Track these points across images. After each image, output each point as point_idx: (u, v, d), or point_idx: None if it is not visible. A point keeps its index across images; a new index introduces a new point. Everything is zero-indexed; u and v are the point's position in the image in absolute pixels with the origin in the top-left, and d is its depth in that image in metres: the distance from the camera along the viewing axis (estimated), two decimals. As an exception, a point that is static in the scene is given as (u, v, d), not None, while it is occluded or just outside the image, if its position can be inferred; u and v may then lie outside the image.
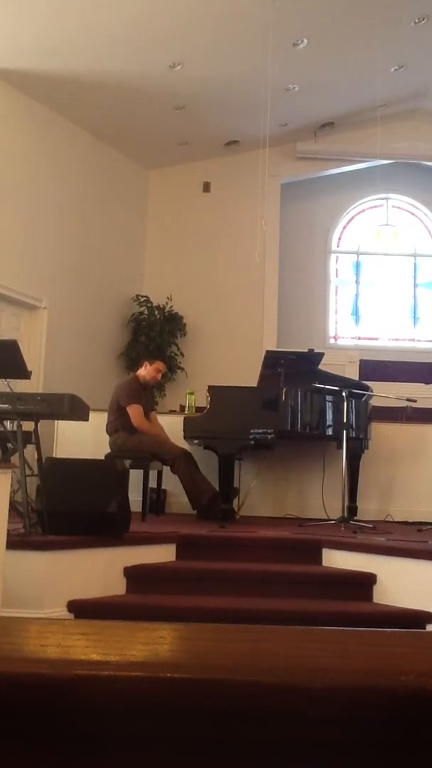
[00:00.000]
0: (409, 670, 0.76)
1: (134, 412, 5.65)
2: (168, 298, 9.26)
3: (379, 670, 0.77)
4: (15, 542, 3.64)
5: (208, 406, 5.54)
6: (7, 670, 0.73)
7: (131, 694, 0.73)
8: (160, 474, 5.88)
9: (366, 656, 0.82)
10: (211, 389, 5.60)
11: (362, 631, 0.91)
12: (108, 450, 5.65)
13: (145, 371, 5.93)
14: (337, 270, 10.43)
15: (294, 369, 5.76)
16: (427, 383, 7.66)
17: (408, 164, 9.92)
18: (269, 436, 5.31)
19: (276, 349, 7.96)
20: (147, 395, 6.00)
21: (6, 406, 4.12)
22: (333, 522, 5.25)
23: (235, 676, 0.74)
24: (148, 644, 0.83)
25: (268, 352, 6.18)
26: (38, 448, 4.29)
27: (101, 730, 0.73)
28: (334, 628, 0.93)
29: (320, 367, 5.97)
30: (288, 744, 0.74)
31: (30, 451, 4.35)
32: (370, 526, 5.17)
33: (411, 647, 0.86)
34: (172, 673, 0.74)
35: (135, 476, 5.35)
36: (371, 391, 5.99)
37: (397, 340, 10.26)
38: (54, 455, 5.93)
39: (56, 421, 6.15)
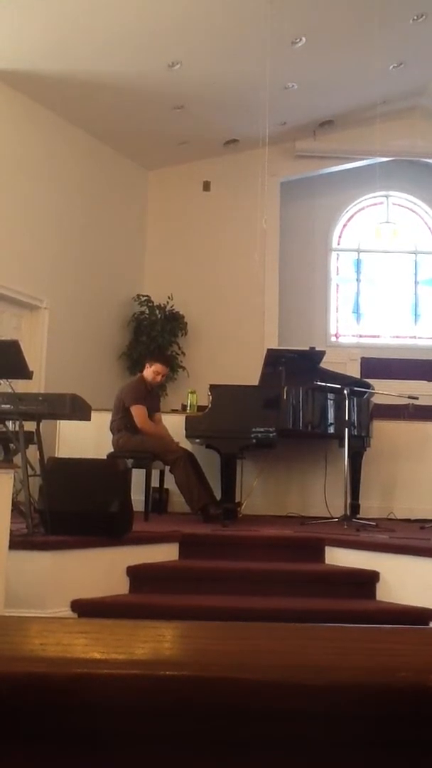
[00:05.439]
0: (409, 667, 0.76)
1: (138, 412, 5.65)
2: (169, 298, 9.26)
3: (379, 667, 0.77)
4: (18, 542, 3.65)
5: (210, 405, 5.53)
6: (6, 670, 0.73)
7: (131, 692, 0.72)
8: (162, 473, 5.88)
9: (366, 653, 0.82)
10: (213, 388, 5.60)
11: (362, 628, 0.90)
12: (110, 449, 5.65)
13: (146, 372, 5.93)
14: (337, 268, 10.42)
15: (295, 367, 5.76)
16: (428, 380, 7.66)
17: (408, 161, 9.91)
18: (271, 435, 5.30)
19: (277, 348, 7.96)
20: (152, 396, 5.99)
21: (8, 406, 4.12)
22: (335, 520, 5.25)
23: (236, 674, 0.74)
24: (148, 642, 0.83)
25: (269, 350, 6.18)
26: (40, 448, 4.30)
27: (101, 729, 0.73)
28: (333, 625, 0.93)
29: (321, 365, 5.96)
30: (288, 742, 0.74)
31: (32, 451, 4.35)
32: (373, 523, 5.17)
33: (410, 644, 0.86)
34: (172, 672, 0.74)
35: (137, 476, 5.36)
36: (373, 389, 5.99)
37: (398, 337, 10.25)
38: (56, 455, 5.93)
39: (58, 421, 6.15)
